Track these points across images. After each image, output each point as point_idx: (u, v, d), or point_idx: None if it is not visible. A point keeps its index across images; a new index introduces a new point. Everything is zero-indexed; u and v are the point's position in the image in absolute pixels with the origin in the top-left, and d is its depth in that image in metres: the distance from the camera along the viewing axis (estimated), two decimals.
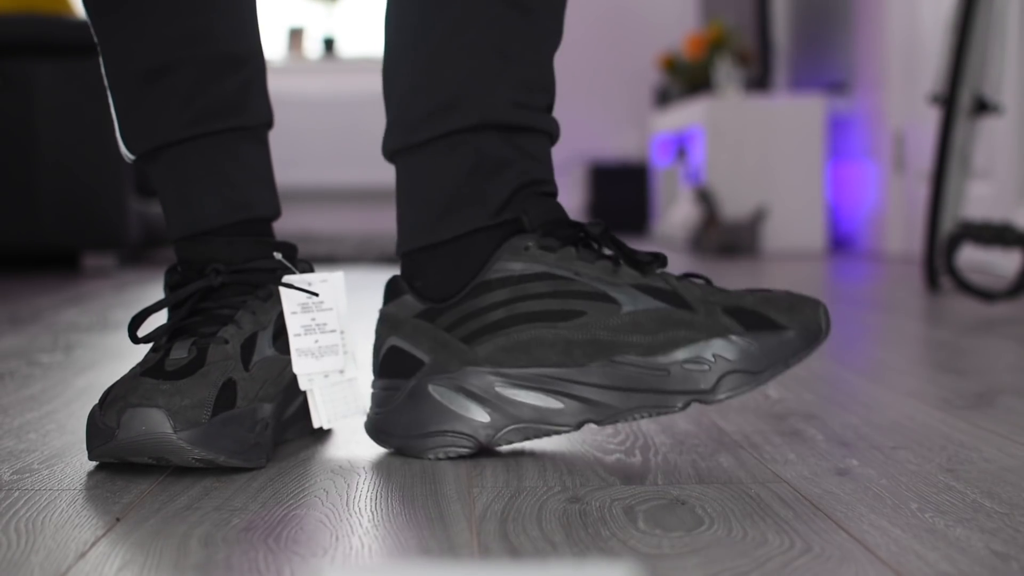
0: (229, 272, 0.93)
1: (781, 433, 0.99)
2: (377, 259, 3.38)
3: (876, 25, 3.78)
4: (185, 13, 0.94)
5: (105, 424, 0.83)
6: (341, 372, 0.95)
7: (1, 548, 0.67)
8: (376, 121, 5.19)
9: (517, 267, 0.89)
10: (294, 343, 0.93)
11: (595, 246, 0.91)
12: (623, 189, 5.23)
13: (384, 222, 5.41)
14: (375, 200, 5.45)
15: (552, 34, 0.93)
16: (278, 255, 0.96)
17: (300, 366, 0.93)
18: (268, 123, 0.99)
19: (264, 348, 0.92)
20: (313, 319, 0.94)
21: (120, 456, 0.83)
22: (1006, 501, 0.76)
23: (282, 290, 0.93)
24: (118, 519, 0.73)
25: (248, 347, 0.91)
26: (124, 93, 0.96)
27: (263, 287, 0.94)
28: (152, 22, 0.94)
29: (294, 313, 0.93)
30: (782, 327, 0.84)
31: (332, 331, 0.94)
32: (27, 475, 0.85)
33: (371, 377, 0.96)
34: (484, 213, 0.90)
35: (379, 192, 5.47)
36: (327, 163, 5.49)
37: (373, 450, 0.93)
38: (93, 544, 0.68)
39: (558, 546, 0.68)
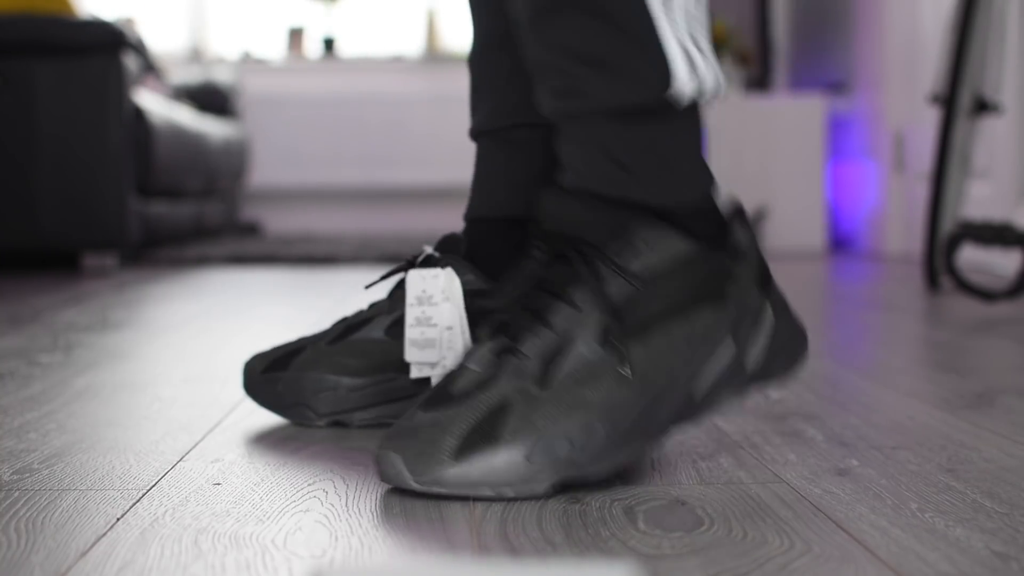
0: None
1: (781, 433, 0.99)
2: (377, 259, 3.37)
3: (876, 25, 3.78)
4: None
5: None
6: (432, 366, 0.99)
7: (1, 548, 0.67)
8: (376, 121, 5.13)
9: None
10: (408, 333, 0.99)
11: None
12: None
13: (384, 222, 5.40)
14: (375, 200, 5.44)
15: None
16: (428, 248, 1.02)
17: (409, 355, 0.99)
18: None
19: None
20: (423, 312, 0.99)
21: None
22: (1006, 501, 0.76)
23: (408, 279, 1.00)
24: (118, 519, 0.73)
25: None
26: None
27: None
28: None
29: (411, 305, 0.99)
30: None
31: (434, 326, 0.98)
32: (27, 475, 0.85)
33: None
34: None
35: (379, 192, 5.47)
36: (327, 163, 5.48)
37: (373, 450, 0.92)
38: (93, 544, 0.68)
39: (558, 546, 0.68)
